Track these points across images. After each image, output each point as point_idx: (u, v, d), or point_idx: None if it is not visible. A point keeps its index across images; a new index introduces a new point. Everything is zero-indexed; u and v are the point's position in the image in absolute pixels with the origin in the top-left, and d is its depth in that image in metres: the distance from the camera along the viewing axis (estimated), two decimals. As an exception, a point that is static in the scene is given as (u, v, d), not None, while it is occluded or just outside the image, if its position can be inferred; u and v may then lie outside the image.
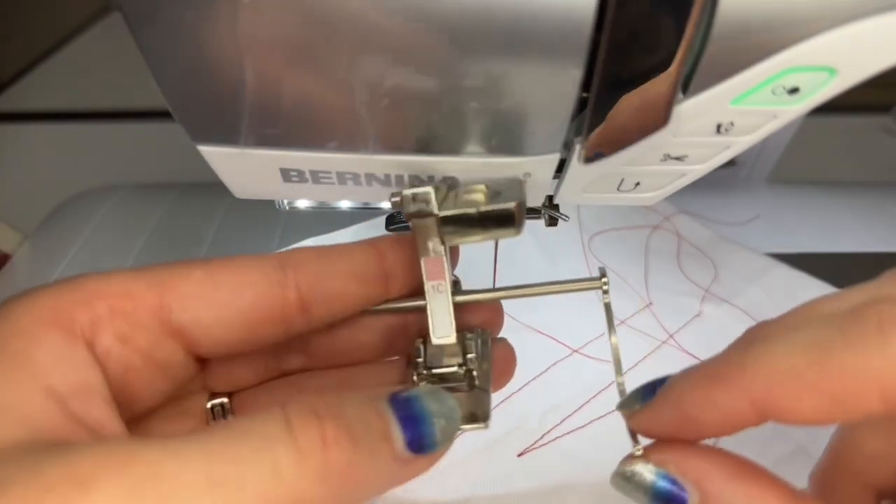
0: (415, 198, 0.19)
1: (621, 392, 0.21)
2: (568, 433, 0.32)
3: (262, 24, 0.14)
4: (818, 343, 0.16)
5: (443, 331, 0.22)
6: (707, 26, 0.14)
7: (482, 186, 0.20)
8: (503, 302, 0.24)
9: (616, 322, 0.37)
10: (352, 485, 0.15)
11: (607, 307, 0.22)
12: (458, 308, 0.22)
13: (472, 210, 0.19)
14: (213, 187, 0.22)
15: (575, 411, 0.32)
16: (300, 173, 0.19)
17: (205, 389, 0.22)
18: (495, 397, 0.32)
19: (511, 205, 0.19)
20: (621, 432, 0.31)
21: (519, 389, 0.33)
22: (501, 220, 0.19)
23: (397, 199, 0.19)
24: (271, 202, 0.23)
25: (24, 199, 0.50)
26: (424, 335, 0.23)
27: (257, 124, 0.17)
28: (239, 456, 0.14)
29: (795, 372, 0.15)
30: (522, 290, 0.23)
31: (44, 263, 0.45)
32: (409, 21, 0.14)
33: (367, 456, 0.16)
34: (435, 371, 0.22)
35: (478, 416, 0.21)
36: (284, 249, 0.20)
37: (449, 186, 0.20)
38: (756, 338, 0.17)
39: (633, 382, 0.34)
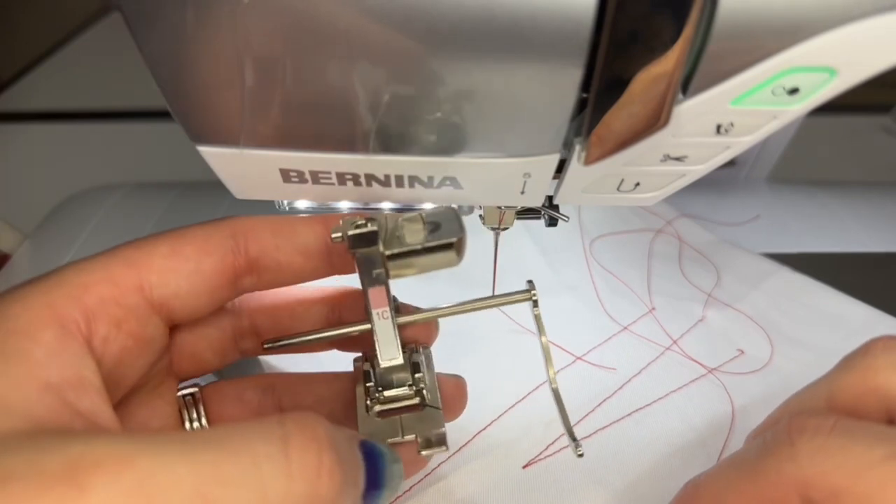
0: (360, 237, 0.20)
1: (554, 390, 0.24)
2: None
3: (262, 25, 0.14)
4: (746, 459, 0.19)
5: (390, 353, 0.23)
6: (707, 26, 0.14)
7: (418, 217, 0.21)
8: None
9: (619, 328, 0.38)
10: None
11: (537, 318, 0.24)
12: (399, 328, 0.23)
13: (417, 246, 0.20)
14: (213, 187, 0.22)
15: (580, 420, 0.32)
16: (300, 174, 0.19)
17: (172, 374, 0.23)
18: (500, 407, 0.32)
19: (453, 239, 0.20)
20: (626, 442, 0.31)
21: (523, 398, 0.33)
22: (443, 254, 0.21)
23: (338, 235, 0.20)
24: (271, 202, 0.23)
25: (24, 198, 0.50)
26: (367, 350, 0.24)
27: (257, 125, 0.17)
28: (229, 475, 0.14)
29: (732, 486, 0.19)
30: (457, 307, 0.24)
31: (44, 263, 0.45)
32: (409, 23, 0.14)
33: (344, 495, 0.16)
34: (387, 393, 0.23)
35: (432, 440, 0.23)
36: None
37: (387, 217, 0.22)
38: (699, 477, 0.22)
39: (639, 388, 0.34)
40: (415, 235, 0.21)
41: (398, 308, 0.24)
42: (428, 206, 0.24)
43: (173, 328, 0.22)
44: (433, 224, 0.21)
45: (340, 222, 0.21)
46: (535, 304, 0.24)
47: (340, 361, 0.28)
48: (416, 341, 0.25)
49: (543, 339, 0.24)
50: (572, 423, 0.32)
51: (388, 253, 0.21)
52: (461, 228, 0.21)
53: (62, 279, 0.18)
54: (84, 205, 0.50)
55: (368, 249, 0.20)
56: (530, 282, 0.24)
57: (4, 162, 0.49)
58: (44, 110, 0.48)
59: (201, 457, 0.14)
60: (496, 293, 0.25)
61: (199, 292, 0.20)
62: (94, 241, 0.46)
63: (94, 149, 0.50)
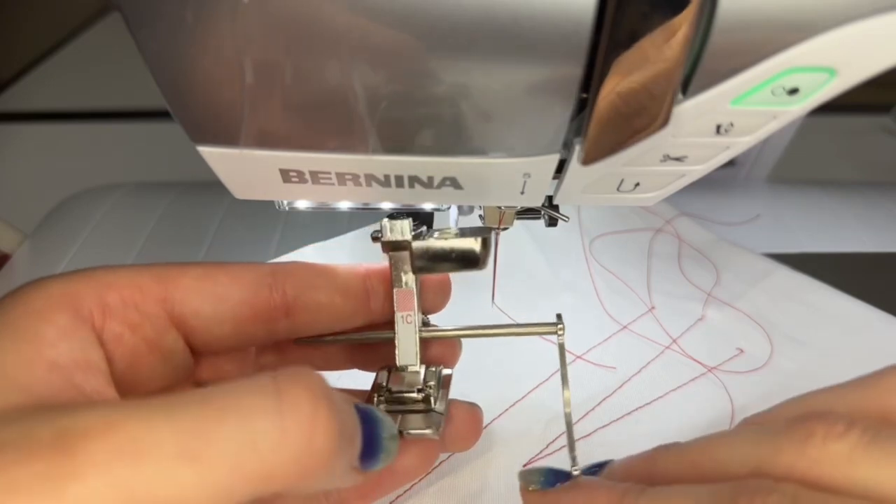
0: (392, 229, 0.22)
1: (568, 423, 0.23)
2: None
3: (261, 24, 0.14)
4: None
5: (407, 358, 0.24)
6: (707, 26, 0.14)
7: (452, 231, 0.23)
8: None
9: (619, 327, 0.38)
10: (320, 474, 0.15)
11: (561, 349, 0.24)
12: (422, 342, 0.24)
13: (444, 248, 0.22)
14: (213, 186, 0.22)
15: (580, 419, 0.32)
16: (300, 174, 0.19)
17: (191, 381, 0.24)
18: (501, 404, 0.32)
19: (478, 240, 0.22)
20: (626, 441, 0.31)
21: (523, 397, 0.33)
22: (468, 255, 0.22)
23: (378, 233, 0.22)
24: (271, 202, 0.23)
25: (24, 198, 0.50)
26: (389, 364, 0.25)
27: (257, 125, 0.17)
28: (213, 431, 0.14)
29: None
30: (482, 330, 0.25)
31: (44, 263, 0.45)
32: (408, 22, 0.14)
33: (340, 452, 0.16)
34: (394, 388, 0.24)
35: (423, 426, 0.23)
36: (281, 260, 0.23)
37: (425, 226, 0.23)
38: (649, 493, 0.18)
39: (639, 387, 0.34)
40: (444, 241, 0.22)
41: (426, 323, 0.25)
42: (428, 206, 0.24)
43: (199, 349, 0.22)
44: (463, 233, 0.23)
45: (381, 223, 0.22)
46: (562, 338, 0.24)
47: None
48: (440, 361, 0.25)
49: (564, 370, 0.24)
50: (574, 420, 0.32)
51: (415, 245, 0.22)
52: (487, 242, 0.22)
53: (89, 275, 0.19)
54: (84, 205, 0.50)
55: (402, 252, 0.22)
56: (559, 315, 0.24)
57: (4, 162, 0.49)
58: (44, 110, 0.48)
59: (184, 415, 0.14)
60: (525, 322, 0.25)
61: (222, 318, 0.20)
62: (94, 241, 0.46)
63: (94, 149, 0.50)
